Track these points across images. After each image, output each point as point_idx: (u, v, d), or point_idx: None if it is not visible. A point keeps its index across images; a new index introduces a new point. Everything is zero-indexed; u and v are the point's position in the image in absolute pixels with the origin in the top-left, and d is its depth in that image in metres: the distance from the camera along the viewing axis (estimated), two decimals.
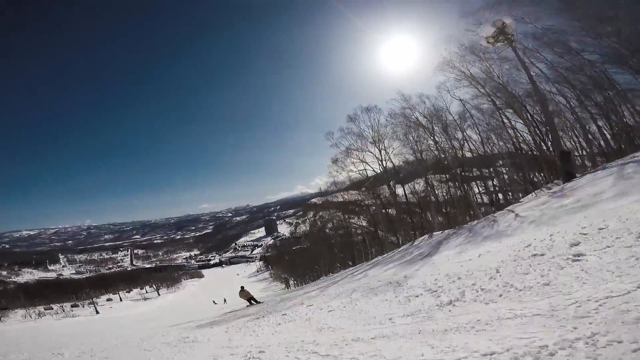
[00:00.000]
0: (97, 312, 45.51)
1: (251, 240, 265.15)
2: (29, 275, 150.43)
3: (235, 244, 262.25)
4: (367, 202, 30.61)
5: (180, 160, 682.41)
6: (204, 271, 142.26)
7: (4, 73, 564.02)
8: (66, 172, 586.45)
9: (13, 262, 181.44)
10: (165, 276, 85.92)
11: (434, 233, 15.43)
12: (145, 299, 60.73)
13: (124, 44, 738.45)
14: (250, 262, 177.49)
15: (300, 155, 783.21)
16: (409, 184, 27.10)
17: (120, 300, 64.23)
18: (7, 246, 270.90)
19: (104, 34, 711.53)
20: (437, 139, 22.18)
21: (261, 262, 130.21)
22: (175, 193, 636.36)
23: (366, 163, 24.99)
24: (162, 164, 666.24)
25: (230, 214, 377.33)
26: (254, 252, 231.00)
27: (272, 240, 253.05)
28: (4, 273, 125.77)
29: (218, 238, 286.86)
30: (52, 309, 52.43)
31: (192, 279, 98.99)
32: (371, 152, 24.55)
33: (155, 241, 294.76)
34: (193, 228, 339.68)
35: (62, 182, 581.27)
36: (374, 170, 25.32)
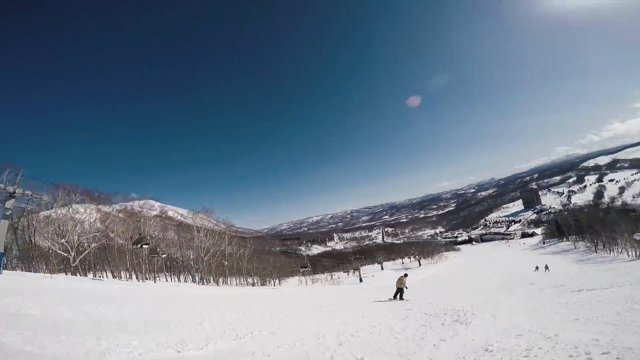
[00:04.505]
0: (361, 281, 45.47)
1: (504, 216, 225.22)
2: (315, 250, 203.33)
3: (485, 219, 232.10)
4: None
5: (416, 142, 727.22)
6: (456, 247, 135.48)
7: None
8: (337, 167, 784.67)
9: (307, 240, 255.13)
10: (423, 249, 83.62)
11: None
12: (406, 269, 58.21)
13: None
14: (508, 239, 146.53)
15: (555, 110, 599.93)
16: None
17: (382, 269, 65.89)
18: (305, 229, 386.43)
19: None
20: None
21: (542, 234, 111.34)
22: (416, 174, 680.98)
23: None
24: (402, 147, 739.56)
25: (473, 190, 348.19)
26: (511, 228, 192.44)
27: (535, 214, 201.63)
28: (303, 248, 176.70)
29: (462, 215, 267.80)
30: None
31: (449, 253, 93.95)
32: None
33: (401, 220, 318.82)
34: (435, 207, 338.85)
35: (335, 176, 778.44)
36: None
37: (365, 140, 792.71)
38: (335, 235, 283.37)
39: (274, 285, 47.08)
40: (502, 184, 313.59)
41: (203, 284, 31.40)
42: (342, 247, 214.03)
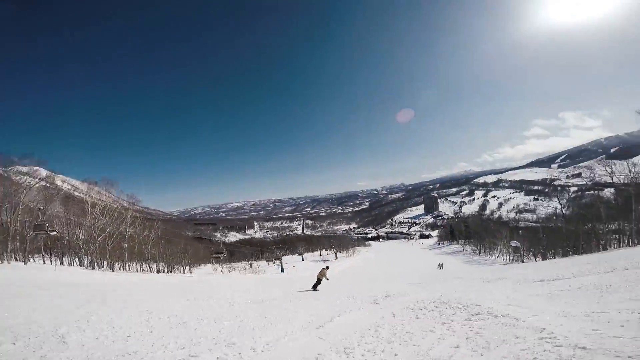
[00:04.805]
0: (282, 271, 44.44)
1: (408, 218, 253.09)
2: (232, 237, 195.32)
3: (392, 219, 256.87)
4: None
5: (340, 140, 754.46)
6: (367, 242, 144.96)
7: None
8: (263, 157, 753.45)
9: (225, 226, 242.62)
10: (339, 242, 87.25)
11: None
12: (325, 261, 59.47)
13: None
14: (409, 238, 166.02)
15: (461, 129, 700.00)
16: None
17: (302, 260, 66.18)
18: (223, 215, 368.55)
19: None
20: None
21: (437, 236, 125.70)
22: (337, 171, 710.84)
23: None
24: (326, 143, 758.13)
25: (385, 192, 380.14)
26: (412, 229, 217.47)
27: (432, 219, 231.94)
28: (219, 235, 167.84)
29: (373, 214, 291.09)
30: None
31: (361, 247, 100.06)
32: None
33: (321, 214, 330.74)
34: (351, 204, 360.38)
35: (259, 163, 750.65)
36: None
37: (293, 133, 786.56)
38: (256, 223, 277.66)
39: (185, 272, 42.59)
40: (410, 189, 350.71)
41: (93, 268, 25.96)
42: (262, 236, 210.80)
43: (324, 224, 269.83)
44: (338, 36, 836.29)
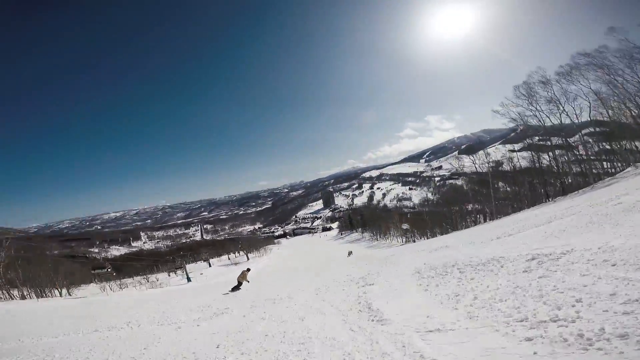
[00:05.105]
0: (189, 280, 40.63)
1: (310, 213, 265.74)
2: (116, 252, 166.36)
3: (296, 216, 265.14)
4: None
5: (239, 141, 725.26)
6: (275, 241, 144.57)
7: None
8: (145, 158, 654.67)
9: (103, 240, 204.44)
10: (248, 243, 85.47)
11: None
12: (236, 264, 57.33)
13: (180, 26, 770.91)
14: (313, 232, 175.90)
15: (350, 130, 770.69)
16: None
17: (210, 266, 62.05)
18: (99, 227, 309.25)
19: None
20: None
21: (338, 228, 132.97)
22: (236, 172, 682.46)
23: None
24: (224, 145, 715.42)
25: (286, 190, 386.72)
26: (314, 223, 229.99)
27: (331, 212, 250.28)
28: (96, 250, 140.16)
29: (277, 212, 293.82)
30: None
31: (272, 246, 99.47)
32: None
33: (221, 217, 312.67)
34: (254, 204, 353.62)
35: (142, 168, 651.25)
36: None
37: (184, 133, 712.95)
38: (142, 233, 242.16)
39: (64, 295, 35.07)
40: (309, 186, 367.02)
41: None
42: (153, 247, 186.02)
43: (226, 227, 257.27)
44: (226, 42, 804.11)
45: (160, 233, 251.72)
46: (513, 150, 54.24)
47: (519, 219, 18.64)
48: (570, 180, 28.66)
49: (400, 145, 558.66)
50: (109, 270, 38.35)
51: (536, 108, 29.34)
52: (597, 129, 29.99)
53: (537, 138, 33.66)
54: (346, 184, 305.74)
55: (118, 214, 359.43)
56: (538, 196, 29.81)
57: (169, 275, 56.54)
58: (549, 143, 31.04)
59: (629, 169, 22.23)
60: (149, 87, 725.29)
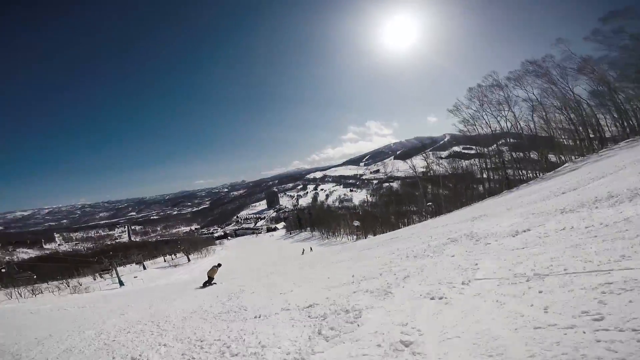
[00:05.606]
0: (122, 284, 36.90)
1: (253, 214, 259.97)
2: (23, 255, 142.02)
3: (237, 217, 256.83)
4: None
5: (173, 137, 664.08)
6: (217, 242, 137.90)
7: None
8: (58, 151, 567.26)
9: (7, 242, 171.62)
10: (189, 244, 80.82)
11: None
12: (176, 265, 53.77)
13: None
14: (257, 233, 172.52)
15: (295, 131, 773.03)
16: None
17: (145, 268, 57.04)
18: (0, 228, 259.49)
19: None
20: None
21: (285, 227, 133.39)
22: (170, 170, 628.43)
23: None
24: (154, 141, 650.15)
25: (226, 189, 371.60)
26: (258, 224, 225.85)
27: (275, 212, 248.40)
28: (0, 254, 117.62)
29: (216, 212, 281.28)
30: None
31: (215, 247, 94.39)
32: None
33: (152, 217, 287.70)
34: (189, 204, 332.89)
35: (54, 162, 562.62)
36: None
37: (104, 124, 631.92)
38: (57, 235, 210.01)
39: None
40: (251, 186, 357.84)
41: None
42: (70, 249, 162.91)
43: (158, 229, 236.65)
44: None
45: (78, 234, 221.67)
46: (441, 157, 61.23)
47: (460, 213, 21.30)
48: (488, 185, 33.94)
49: (342, 149, 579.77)
50: (19, 272, 33.18)
51: (484, 110, 33.28)
52: (510, 140, 35.75)
53: (460, 147, 38.98)
54: (291, 185, 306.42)
55: (26, 213, 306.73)
56: (460, 198, 34.66)
57: (94, 279, 51.07)
58: (471, 151, 36.19)
59: (567, 164, 24.07)
60: (62, 70, 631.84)
